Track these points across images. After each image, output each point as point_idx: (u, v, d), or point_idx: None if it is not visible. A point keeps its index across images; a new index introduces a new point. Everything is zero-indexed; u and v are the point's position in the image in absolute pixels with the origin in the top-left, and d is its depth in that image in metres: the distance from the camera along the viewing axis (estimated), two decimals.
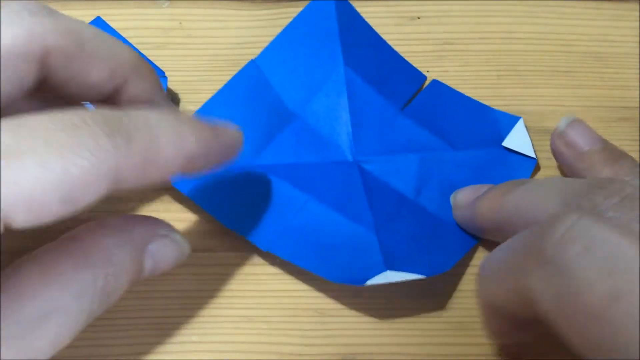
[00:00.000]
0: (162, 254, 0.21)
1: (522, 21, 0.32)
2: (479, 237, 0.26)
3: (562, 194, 0.21)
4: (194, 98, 0.29)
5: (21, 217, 0.15)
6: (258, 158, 0.27)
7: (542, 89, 0.30)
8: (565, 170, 0.27)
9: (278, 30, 0.31)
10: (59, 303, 0.18)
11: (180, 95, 0.29)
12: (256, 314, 0.25)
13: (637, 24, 0.32)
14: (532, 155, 0.28)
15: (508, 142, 0.28)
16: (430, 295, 0.25)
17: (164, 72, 0.28)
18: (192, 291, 0.25)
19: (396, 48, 0.30)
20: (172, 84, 0.29)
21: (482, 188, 0.25)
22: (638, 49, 0.31)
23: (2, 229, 0.15)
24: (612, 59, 0.31)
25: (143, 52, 0.29)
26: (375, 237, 0.25)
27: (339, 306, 0.25)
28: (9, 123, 0.16)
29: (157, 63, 0.29)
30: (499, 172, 0.27)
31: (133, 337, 0.24)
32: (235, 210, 0.25)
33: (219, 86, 0.29)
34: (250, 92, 0.28)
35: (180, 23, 0.31)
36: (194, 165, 0.19)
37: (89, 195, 0.16)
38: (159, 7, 0.31)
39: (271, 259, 0.25)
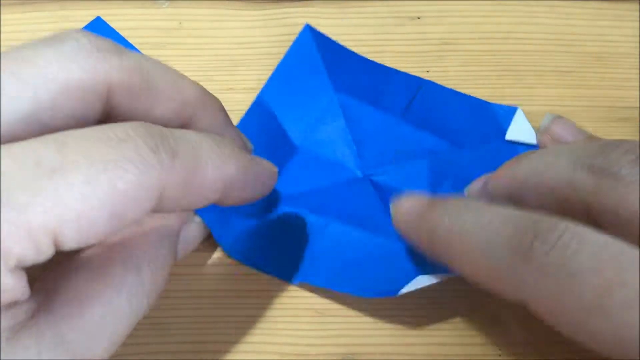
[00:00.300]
0: (189, 238, 0.22)
1: (522, 21, 0.32)
2: None
3: (573, 155, 0.20)
4: None
5: (70, 237, 0.15)
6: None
7: (542, 89, 0.30)
8: None
9: (278, 30, 0.31)
10: (114, 306, 0.18)
11: None
12: (256, 314, 0.25)
13: (637, 24, 0.32)
14: (535, 142, 0.28)
15: (511, 134, 0.28)
16: (430, 295, 0.25)
17: None
18: (193, 291, 0.25)
19: (396, 48, 0.30)
20: None
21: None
22: (638, 49, 0.31)
23: (52, 250, 0.15)
24: (612, 59, 0.31)
25: (143, 52, 0.29)
26: (400, 244, 0.25)
27: (339, 306, 0.25)
28: (51, 139, 0.16)
29: None
30: None
31: (133, 336, 0.24)
32: (264, 253, 0.26)
33: (219, 86, 0.29)
34: (260, 127, 0.28)
35: (180, 23, 0.31)
36: (231, 192, 0.19)
37: (135, 211, 0.16)
38: (159, 7, 0.31)
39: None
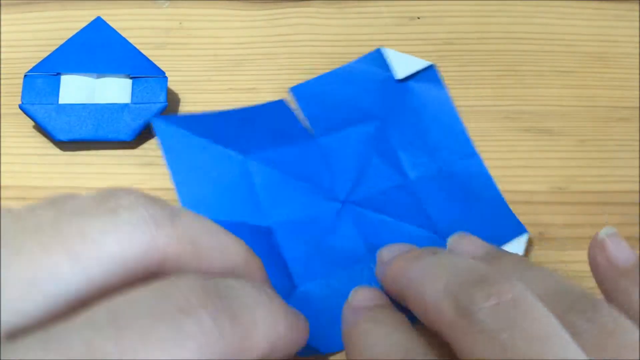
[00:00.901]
0: None
1: (522, 21, 0.32)
2: None
3: (450, 279, 0.20)
4: (194, 98, 0.29)
5: None
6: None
7: (542, 89, 0.30)
8: None
9: (278, 30, 0.31)
10: None
11: (180, 95, 0.29)
12: None
13: (637, 24, 0.32)
14: None
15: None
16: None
17: (164, 72, 0.28)
18: None
19: (396, 48, 0.30)
20: (172, 84, 0.29)
21: (409, 247, 0.24)
22: (638, 49, 0.31)
23: None
24: (612, 59, 0.31)
25: (143, 52, 0.29)
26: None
27: None
28: (104, 321, 0.14)
29: (157, 63, 0.29)
30: None
31: None
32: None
33: (219, 86, 0.29)
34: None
35: (180, 23, 0.31)
36: (275, 348, 0.18)
37: None
38: (159, 7, 0.31)
39: None
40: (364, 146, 0.28)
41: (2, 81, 0.29)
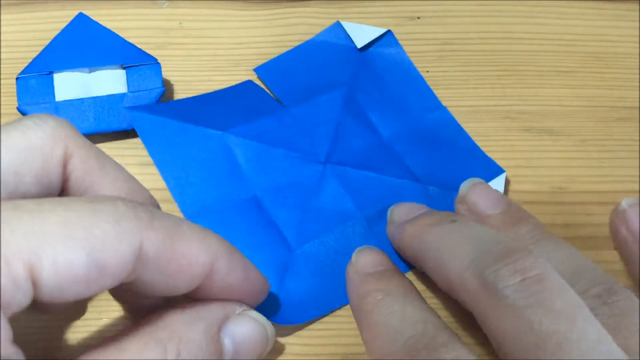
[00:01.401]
0: (242, 333, 0.20)
1: (522, 21, 0.32)
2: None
3: (475, 252, 0.20)
4: None
5: (48, 276, 0.15)
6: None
7: (542, 89, 0.30)
8: None
9: (278, 30, 0.31)
10: None
11: (180, 95, 0.29)
12: None
13: (637, 24, 0.32)
14: None
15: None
16: (430, 296, 0.25)
17: (156, 59, 0.28)
18: None
19: None
20: (172, 84, 0.29)
21: (420, 209, 0.25)
22: (638, 49, 0.31)
23: (30, 288, 0.15)
24: (612, 59, 0.31)
25: None
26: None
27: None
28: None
29: None
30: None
31: None
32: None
33: (219, 86, 0.29)
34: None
35: (180, 23, 0.31)
36: (217, 273, 0.19)
37: (115, 260, 0.16)
38: (159, 7, 0.31)
39: None
40: (335, 110, 0.28)
41: (2, 81, 0.29)
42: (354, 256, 0.24)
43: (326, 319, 0.25)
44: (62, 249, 0.15)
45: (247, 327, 0.20)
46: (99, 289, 0.16)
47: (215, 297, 0.20)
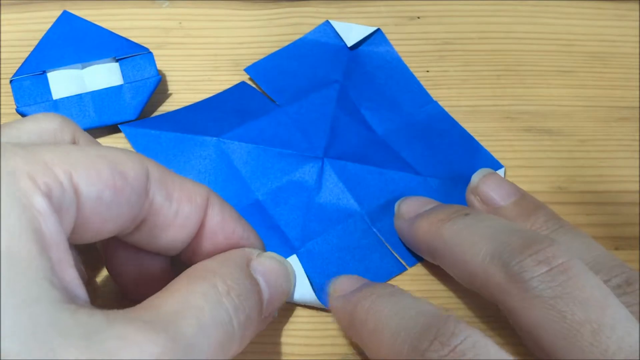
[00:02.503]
0: (268, 269, 0.21)
1: (522, 21, 0.32)
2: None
3: (494, 243, 0.20)
4: (193, 98, 0.29)
5: (84, 180, 0.17)
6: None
7: (542, 89, 0.30)
8: None
9: (278, 30, 0.31)
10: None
11: (180, 95, 0.29)
12: None
13: (637, 24, 0.32)
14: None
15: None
16: (430, 296, 0.25)
17: (147, 49, 0.28)
18: None
19: (396, 48, 0.30)
20: (172, 84, 0.29)
21: (429, 204, 0.25)
22: (638, 49, 0.31)
23: (71, 190, 0.16)
24: (612, 59, 0.31)
25: None
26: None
27: None
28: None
29: (157, 63, 0.29)
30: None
31: None
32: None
33: (219, 86, 0.29)
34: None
35: (180, 23, 0.31)
36: (211, 221, 0.21)
37: (133, 171, 0.18)
38: (159, 7, 0.31)
39: None
40: (329, 107, 0.28)
41: (2, 81, 0.29)
42: (330, 287, 0.23)
43: (326, 319, 0.25)
44: (90, 164, 0.17)
45: (270, 263, 0.21)
46: (126, 200, 0.18)
47: (220, 248, 0.21)
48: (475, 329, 0.19)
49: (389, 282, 0.25)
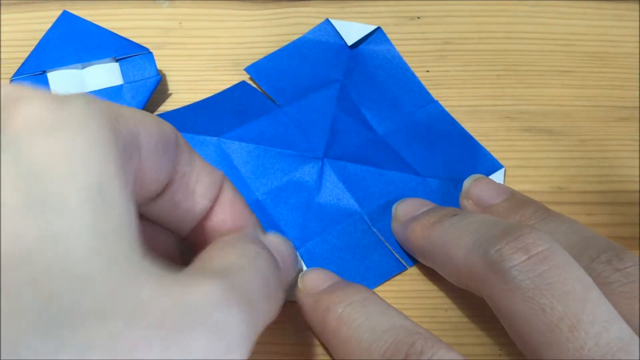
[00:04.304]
0: (276, 245, 0.21)
1: (522, 21, 0.32)
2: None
3: (477, 235, 0.20)
4: (193, 98, 0.29)
5: (130, 120, 0.17)
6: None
7: (542, 89, 0.30)
8: None
9: (278, 30, 0.31)
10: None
11: (180, 95, 0.29)
12: None
13: (637, 24, 0.32)
14: None
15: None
16: (430, 296, 0.25)
17: (147, 49, 0.28)
18: None
19: (396, 48, 0.30)
20: (172, 84, 0.29)
21: (424, 206, 0.25)
22: (638, 49, 0.31)
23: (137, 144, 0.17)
24: (612, 59, 0.31)
25: None
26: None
27: None
28: None
29: (157, 63, 0.29)
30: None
31: None
32: None
33: (219, 86, 0.29)
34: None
35: (180, 23, 0.31)
36: (223, 199, 0.21)
37: (170, 130, 0.19)
38: (159, 7, 0.31)
39: None
40: (330, 107, 0.28)
41: (2, 81, 0.29)
42: (299, 282, 0.23)
43: None
44: (142, 116, 0.17)
45: (277, 239, 0.22)
46: (169, 156, 0.18)
47: (228, 228, 0.21)
48: (444, 344, 0.19)
49: (389, 281, 0.25)
